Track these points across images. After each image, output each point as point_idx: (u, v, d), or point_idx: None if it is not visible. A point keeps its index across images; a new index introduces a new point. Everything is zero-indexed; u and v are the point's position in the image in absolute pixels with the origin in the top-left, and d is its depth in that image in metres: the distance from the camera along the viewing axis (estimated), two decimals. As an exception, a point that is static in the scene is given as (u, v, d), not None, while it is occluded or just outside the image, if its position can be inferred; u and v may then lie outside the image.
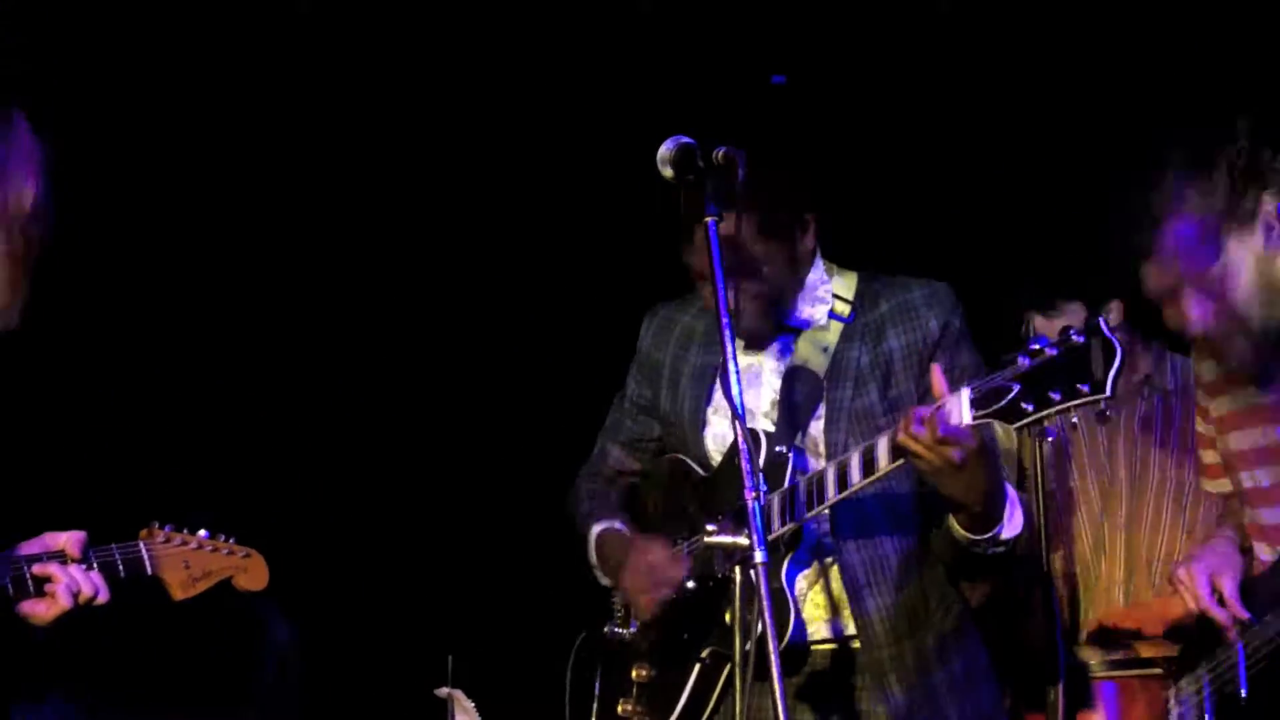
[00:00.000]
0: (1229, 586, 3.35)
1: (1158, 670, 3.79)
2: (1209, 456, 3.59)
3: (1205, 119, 3.25)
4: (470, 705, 4.70)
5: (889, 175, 5.29)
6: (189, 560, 3.12)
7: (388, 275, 5.67)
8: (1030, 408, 2.75)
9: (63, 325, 5.07)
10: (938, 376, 2.95)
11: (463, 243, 5.61)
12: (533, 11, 5.24)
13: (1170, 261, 3.22)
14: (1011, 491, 3.10)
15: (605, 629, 3.55)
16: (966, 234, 5.02)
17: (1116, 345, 2.69)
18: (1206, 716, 3.44)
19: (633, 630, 3.48)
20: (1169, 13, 4.96)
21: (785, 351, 3.40)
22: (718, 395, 3.45)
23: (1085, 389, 2.70)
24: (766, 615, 2.70)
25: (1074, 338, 2.73)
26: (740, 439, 2.81)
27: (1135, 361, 4.21)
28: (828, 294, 3.39)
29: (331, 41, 5.28)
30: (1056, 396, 2.73)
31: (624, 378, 3.72)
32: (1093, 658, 3.89)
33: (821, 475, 3.13)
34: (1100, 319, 2.72)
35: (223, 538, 3.22)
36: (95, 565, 2.90)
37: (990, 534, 3.05)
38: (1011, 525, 3.07)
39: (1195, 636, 3.48)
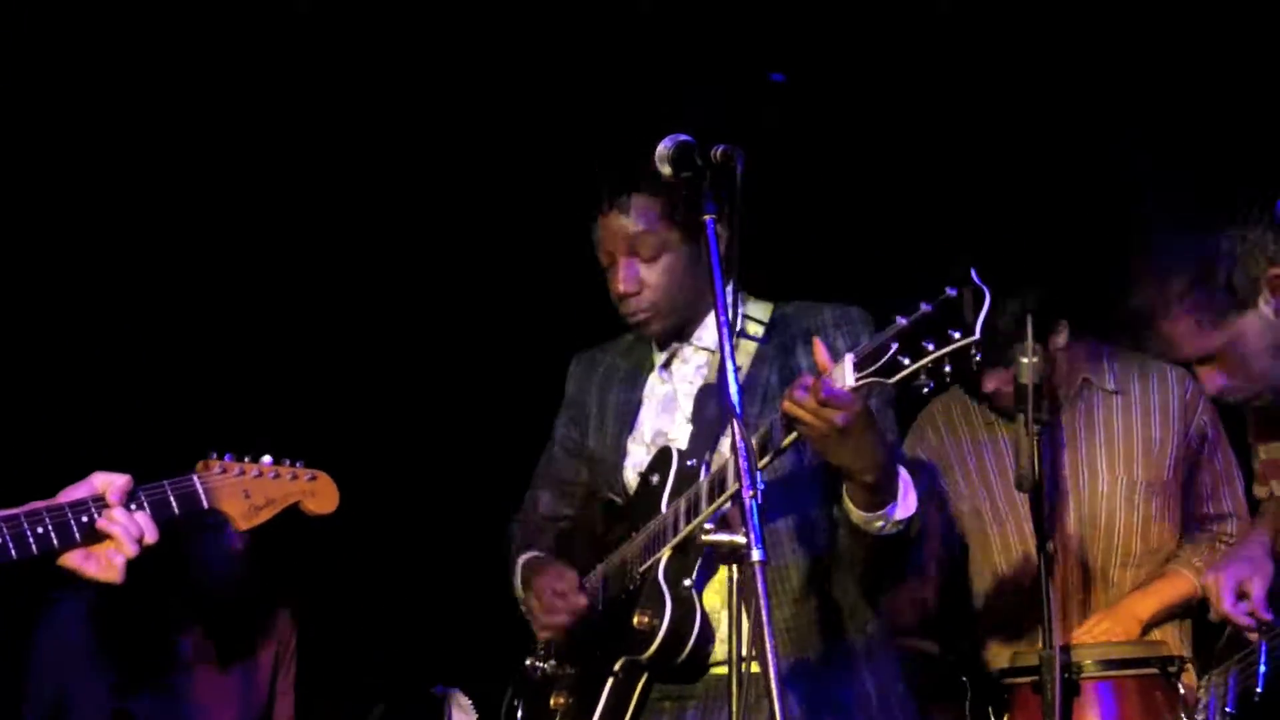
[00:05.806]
0: (1257, 589, 3.41)
1: (1153, 670, 3.80)
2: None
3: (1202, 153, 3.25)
4: (467, 703, 4.72)
5: (882, 175, 5.30)
6: (249, 489, 2.96)
7: (386, 274, 5.68)
8: (906, 360, 2.76)
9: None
10: (820, 349, 2.96)
11: (453, 244, 5.63)
12: (532, 11, 5.25)
13: (1175, 348, 3.29)
14: (904, 474, 3.11)
15: (527, 662, 3.55)
16: (958, 236, 5.02)
17: (985, 290, 2.69)
18: (1228, 709, 3.48)
19: (553, 663, 3.49)
20: (1168, 14, 4.98)
21: (700, 376, 3.42)
22: (639, 425, 3.49)
23: (956, 334, 2.71)
24: (764, 615, 2.68)
25: (948, 291, 2.74)
26: (738, 438, 2.79)
27: (1075, 365, 4.20)
28: (739, 317, 3.38)
29: (330, 41, 5.28)
30: (930, 346, 2.74)
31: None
32: (1086, 658, 3.88)
33: (723, 468, 3.13)
34: (972, 269, 2.72)
35: (287, 462, 3.04)
36: (145, 505, 2.78)
37: (883, 511, 3.06)
38: (905, 505, 3.08)
39: (1228, 631, 3.53)
